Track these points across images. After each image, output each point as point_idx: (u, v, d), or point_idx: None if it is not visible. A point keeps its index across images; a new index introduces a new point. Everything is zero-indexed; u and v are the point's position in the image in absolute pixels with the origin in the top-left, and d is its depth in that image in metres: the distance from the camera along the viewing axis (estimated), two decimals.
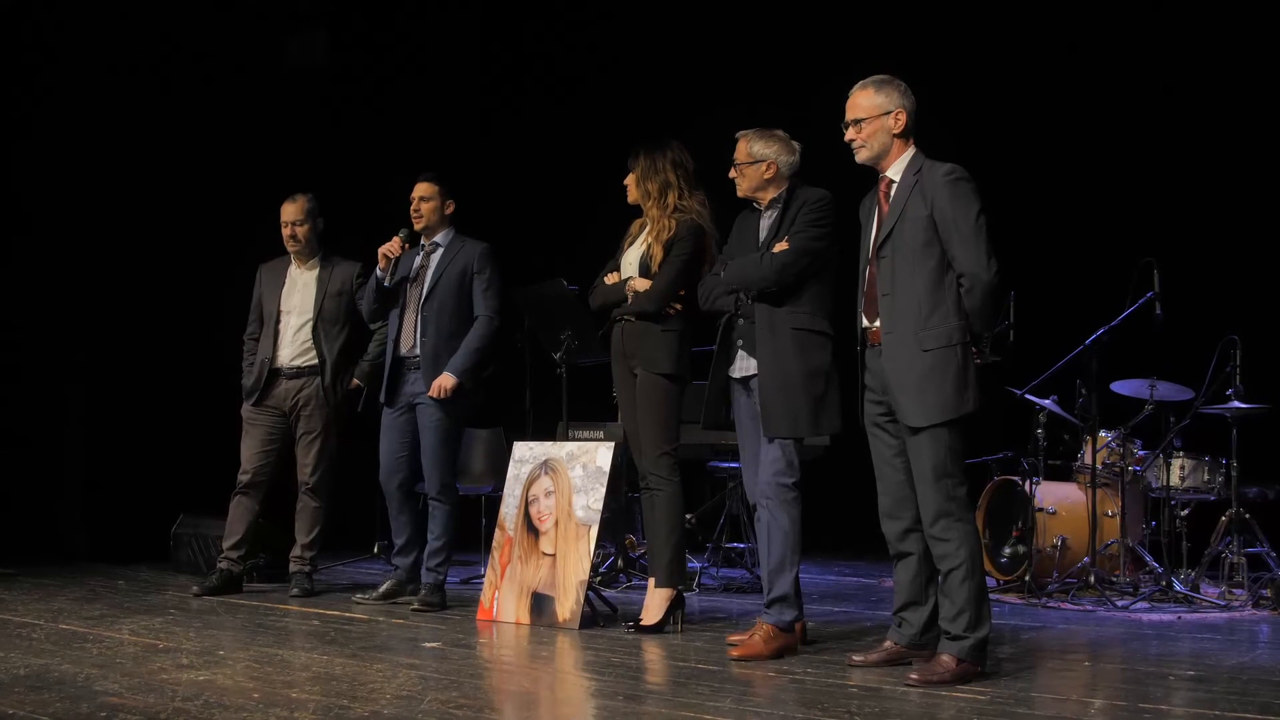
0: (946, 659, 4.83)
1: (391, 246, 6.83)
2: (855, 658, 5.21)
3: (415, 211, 6.99)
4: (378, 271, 6.84)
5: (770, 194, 5.70)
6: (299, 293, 7.45)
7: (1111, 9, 9.33)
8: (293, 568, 7.40)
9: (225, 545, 7.38)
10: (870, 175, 5.17)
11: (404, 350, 6.92)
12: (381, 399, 7.00)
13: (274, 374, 7.39)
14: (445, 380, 6.76)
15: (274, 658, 5.21)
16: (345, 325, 7.49)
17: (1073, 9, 9.42)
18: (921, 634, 5.14)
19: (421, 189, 7.02)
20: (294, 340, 7.40)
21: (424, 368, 6.82)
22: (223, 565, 7.34)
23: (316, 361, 7.39)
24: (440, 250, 6.97)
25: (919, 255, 4.91)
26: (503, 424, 9.14)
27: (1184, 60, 9.08)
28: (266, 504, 7.45)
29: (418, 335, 6.85)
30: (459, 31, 10.97)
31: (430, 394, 6.76)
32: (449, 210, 7.03)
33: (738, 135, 5.76)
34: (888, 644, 5.21)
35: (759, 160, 5.66)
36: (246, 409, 7.43)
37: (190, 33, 9.36)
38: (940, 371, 4.85)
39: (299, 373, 7.39)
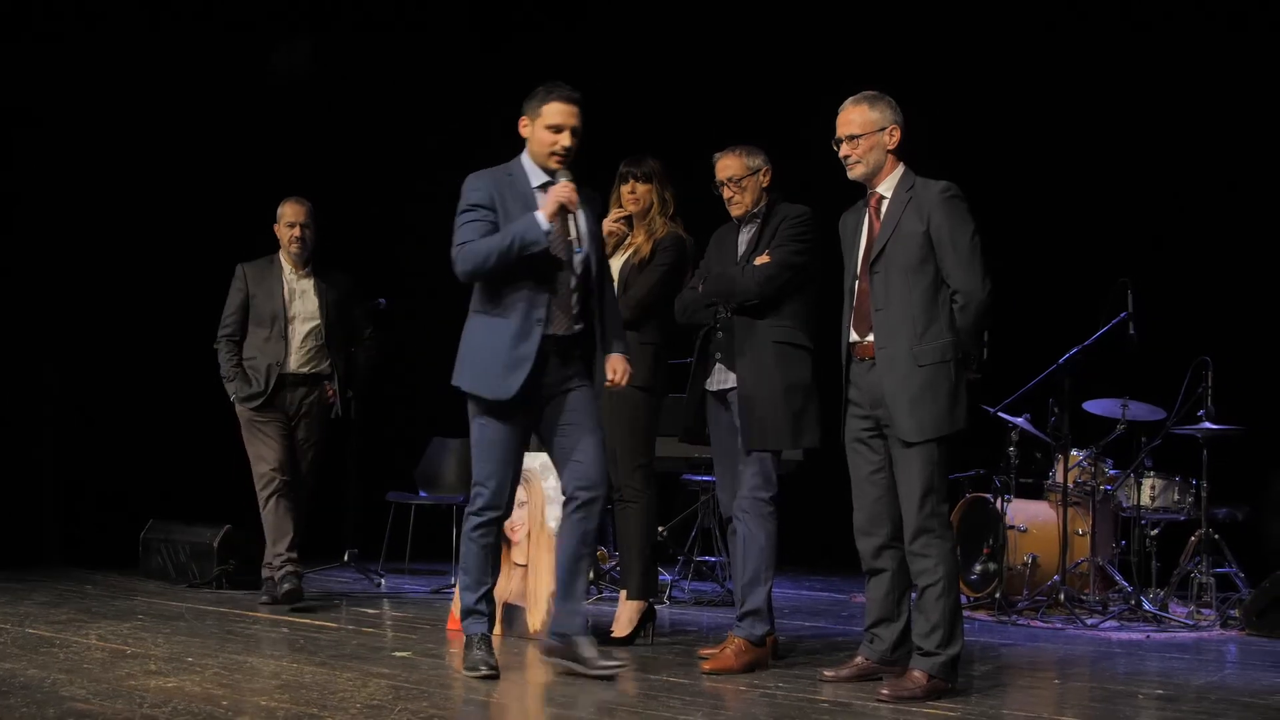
0: (918, 675, 4.84)
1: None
2: (827, 673, 5.21)
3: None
4: (544, 224, 5.12)
5: (749, 206, 5.71)
6: (300, 299, 7.34)
7: (1086, 29, 9.37)
8: (285, 570, 7.04)
9: (281, 549, 7.06)
10: (847, 191, 5.18)
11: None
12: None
13: (282, 379, 7.25)
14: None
15: (243, 665, 5.19)
16: (349, 335, 7.48)
17: (1047, 29, 9.46)
18: (893, 650, 5.15)
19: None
20: (302, 346, 7.30)
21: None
22: (287, 571, 7.02)
23: (324, 370, 7.34)
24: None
25: (914, 271, 4.93)
26: None
27: (1160, 81, 9.13)
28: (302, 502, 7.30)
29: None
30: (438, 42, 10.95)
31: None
32: None
33: (718, 156, 5.75)
34: (859, 659, 5.21)
35: (755, 170, 5.67)
36: (250, 413, 7.20)
37: (174, 37, 9.32)
38: (934, 387, 4.88)
39: (306, 380, 7.31)
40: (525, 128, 5.27)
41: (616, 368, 5.34)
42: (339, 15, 10.30)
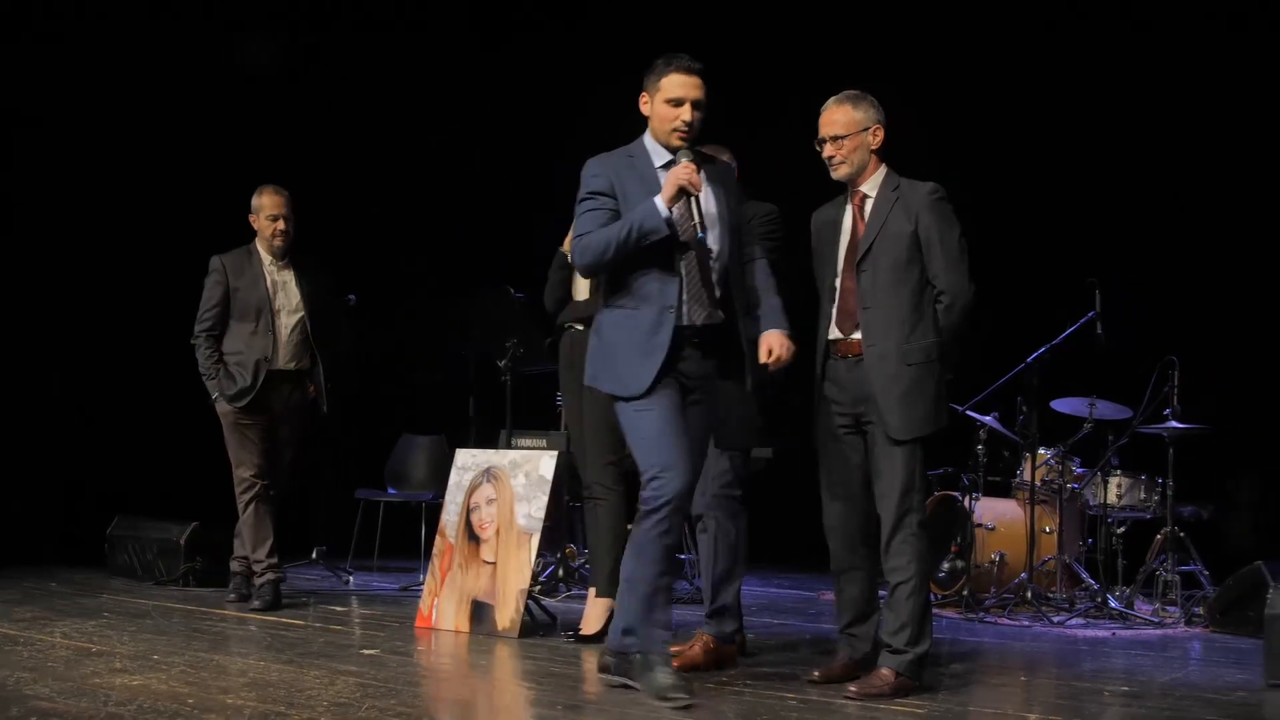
0: (886, 673, 4.85)
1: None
2: (815, 674, 5.13)
3: None
4: (663, 210, 4.76)
5: None
6: (283, 291, 7.11)
7: (1049, 31, 9.38)
8: (268, 577, 6.97)
9: (261, 555, 6.97)
10: (819, 188, 5.18)
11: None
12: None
13: (270, 376, 7.00)
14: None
15: (209, 663, 5.17)
16: (329, 329, 7.26)
17: (1014, 32, 9.48)
18: (874, 647, 5.17)
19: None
20: (289, 342, 7.07)
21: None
22: (270, 577, 6.95)
23: (307, 365, 7.14)
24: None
25: (903, 271, 4.94)
26: (445, 431, 9.12)
27: (1127, 83, 9.16)
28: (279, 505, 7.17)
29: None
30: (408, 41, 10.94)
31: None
32: None
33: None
34: (843, 659, 5.19)
35: (731, 168, 5.68)
36: (236, 412, 6.98)
37: (145, 32, 9.29)
38: (922, 386, 4.91)
39: (292, 376, 7.10)
40: (645, 105, 4.91)
41: (771, 345, 4.89)
42: (339, 15, 10.28)
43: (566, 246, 6.23)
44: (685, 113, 4.81)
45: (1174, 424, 7.53)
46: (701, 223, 4.73)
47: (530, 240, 8.03)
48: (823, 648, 5.83)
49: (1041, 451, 7.97)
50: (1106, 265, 7.89)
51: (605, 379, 4.91)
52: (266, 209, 7.09)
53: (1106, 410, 7.84)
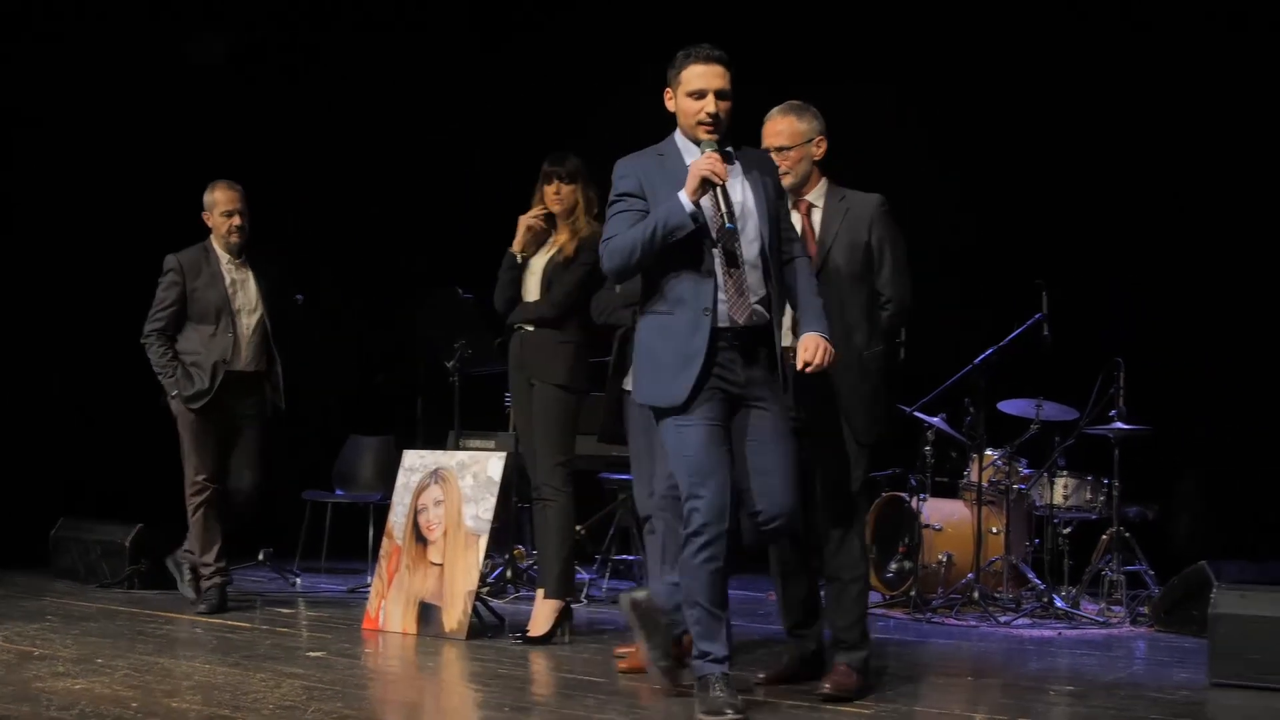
0: (846, 670, 4.90)
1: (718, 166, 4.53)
2: (761, 675, 5.16)
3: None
4: (688, 205, 4.50)
5: None
6: (242, 290, 6.94)
7: (995, 31, 9.42)
8: (215, 580, 6.90)
9: (209, 559, 6.88)
10: None
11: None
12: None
13: (228, 377, 6.83)
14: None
15: (154, 666, 5.13)
16: (285, 327, 7.09)
17: (964, 32, 9.52)
18: (820, 647, 5.19)
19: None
20: (250, 343, 6.92)
21: None
22: (217, 581, 6.87)
23: (265, 366, 6.98)
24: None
25: (858, 280, 5.01)
26: (393, 432, 9.09)
27: (1072, 84, 9.22)
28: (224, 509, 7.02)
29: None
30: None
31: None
32: None
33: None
34: (789, 658, 5.21)
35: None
36: (192, 414, 6.83)
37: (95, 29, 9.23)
38: (878, 391, 5.03)
39: (251, 377, 6.94)
40: (670, 100, 4.68)
41: (806, 348, 4.55)
42: (339, 15, 10.27)
43: (516, 247, 6.24)
44: (708, 104, 4.55)
45: (1119, 425, 7.58)
46: (729, 213, 4.46)
47: (478, 242, 8.01)
48: (770, 649, 5.84)
49: (988, 452, 8.01)
50: (1053, 267, 7.93)
51: (644, 391, 4.65)
52: (221, 205, 6.90)
53: (1053, 411, 7.90)
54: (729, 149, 4.61)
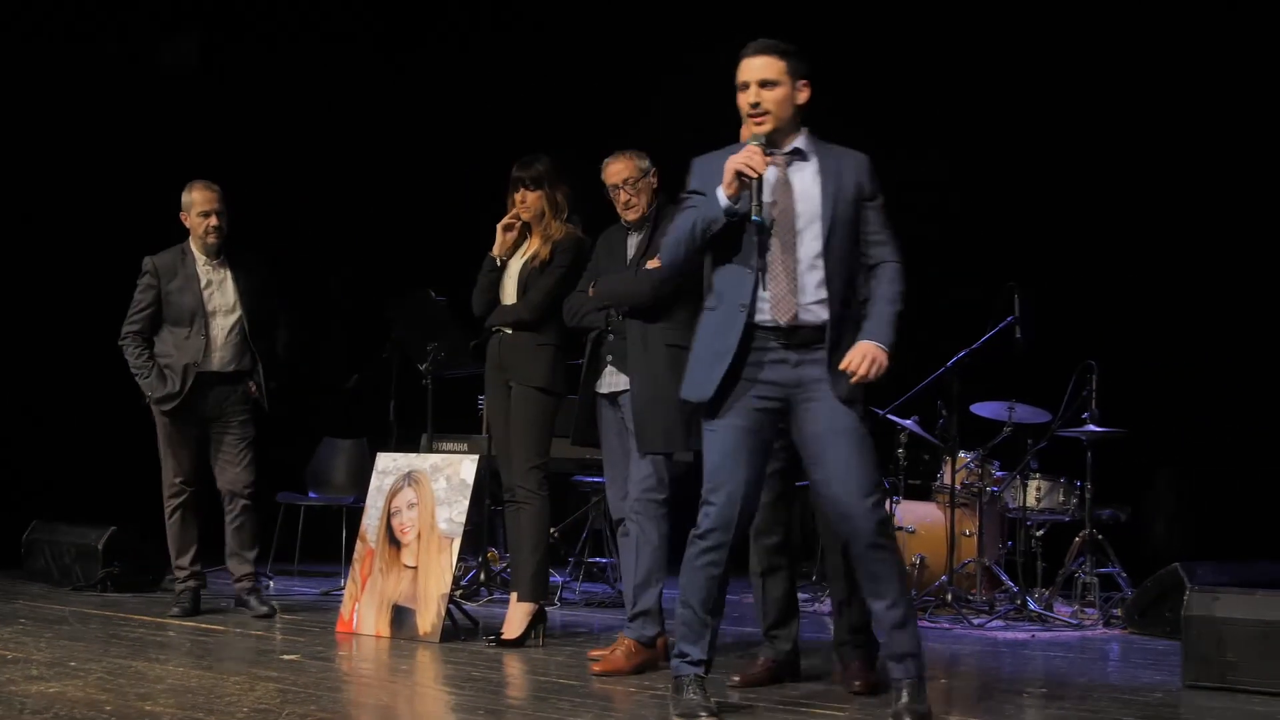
0: (859, 665, 5.02)
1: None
2: (735, 678, 5.16)
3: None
4: (723, 199, 4.42)
5: (644, 210, 5.71)
6: (219, 291, 6.87)
7: (971, 38, 9.46)
8: (245, 585, 6.93)
9: (184, 562, 6.87)
10: None
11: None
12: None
13: (200, 379, 6.78)
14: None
15: (128, 669, 5.11)
16: (273, 327, 7.06)
17: (938, 33, 9.55)
18: (795, 648, 5.20)
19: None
20: (226, 343, 6.85)
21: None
22: (191, 584, 6.87)
23: (246, 365, 6.91)
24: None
25: None
26: (366, 434, 9.07)
27: (1048, 86, 9.25)
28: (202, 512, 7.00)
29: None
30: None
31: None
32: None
33: (608, 161, 5.73)
34: (764, 660, 5.22)
35: (647, 172, 5.68)
36: (166, 417, 6.82)
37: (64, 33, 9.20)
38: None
39: (229, 378, 6.87)
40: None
41: (855, 355, 4.38)
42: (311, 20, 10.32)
43: (495, 251, 6.23)
44: (750, 95, 4.46)
45: (1092, 427, 7.62)
46: (759, 206, 4.34)
47: (453, 245, 8.02)
48: (745, 651, 5.85)
49: (961, 455, 8.03)
50: (1026, 269, 7.96)
51: (683, 384, 4.55)
52: (198, 205, 6.83)
53: (1026, 414, 7.92)
54: (798, 145, 4.51)
